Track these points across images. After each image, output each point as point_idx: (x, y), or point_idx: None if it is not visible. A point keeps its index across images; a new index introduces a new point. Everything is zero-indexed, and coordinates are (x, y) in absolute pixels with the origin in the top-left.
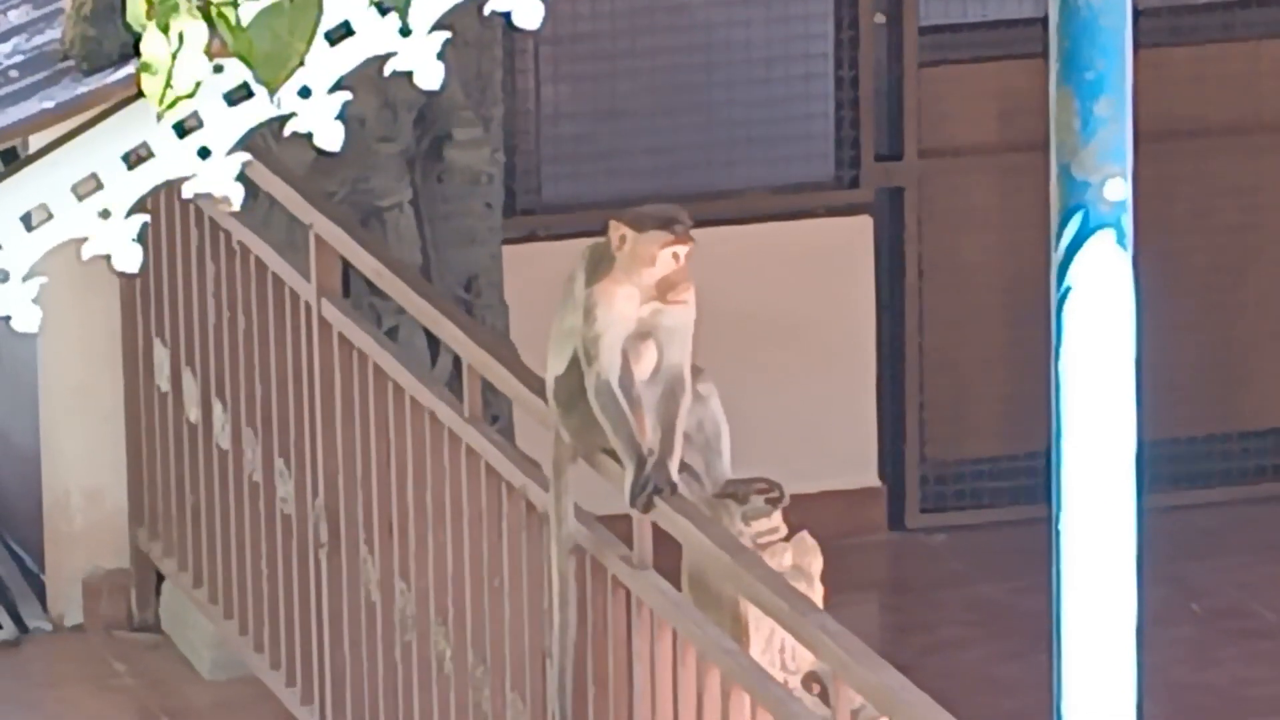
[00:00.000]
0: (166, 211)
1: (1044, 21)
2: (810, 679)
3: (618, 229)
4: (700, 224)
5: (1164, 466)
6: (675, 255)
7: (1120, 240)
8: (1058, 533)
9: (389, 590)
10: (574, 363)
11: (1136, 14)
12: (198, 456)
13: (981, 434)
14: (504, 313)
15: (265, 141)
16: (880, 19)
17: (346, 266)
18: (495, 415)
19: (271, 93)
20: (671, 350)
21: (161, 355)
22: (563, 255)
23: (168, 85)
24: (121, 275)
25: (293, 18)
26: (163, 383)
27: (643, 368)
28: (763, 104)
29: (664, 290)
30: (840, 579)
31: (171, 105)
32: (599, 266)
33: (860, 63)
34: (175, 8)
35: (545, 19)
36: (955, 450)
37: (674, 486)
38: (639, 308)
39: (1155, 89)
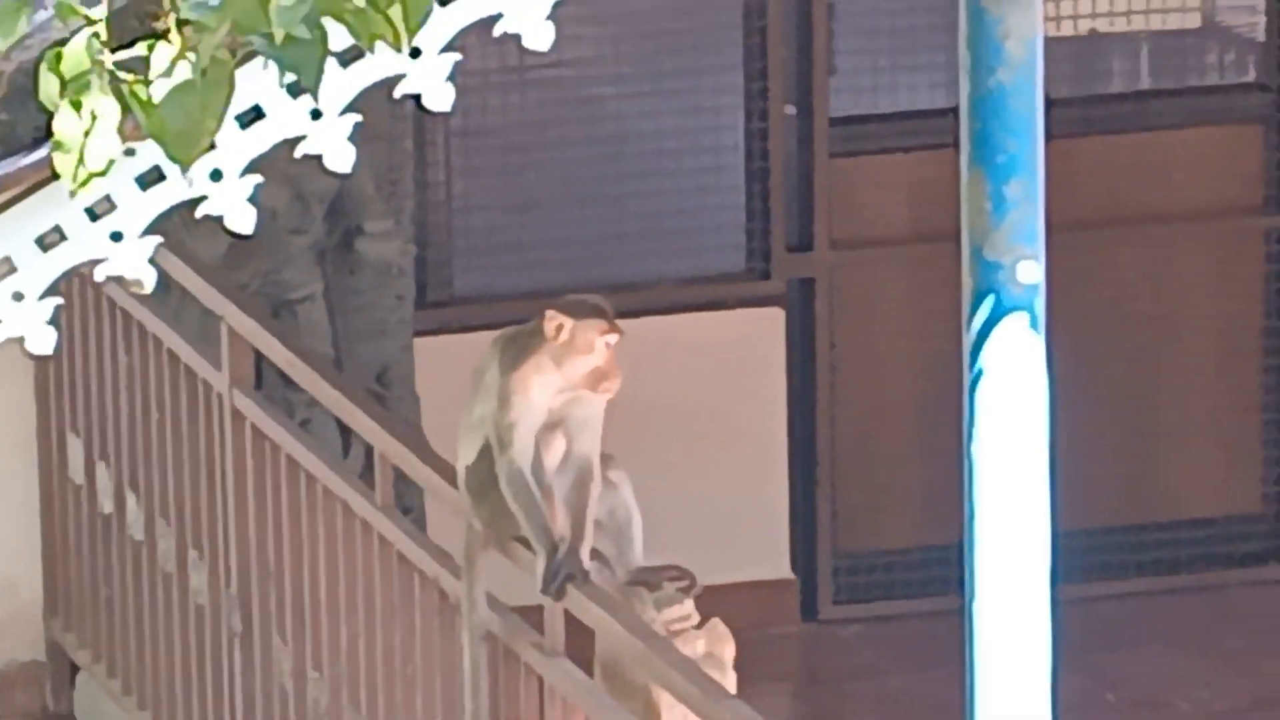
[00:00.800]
0: (80, 304)
1: (954, 111)
2: None
3: (554, 318)
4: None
5: (1078, 558)
6: (608, 344)
7: (1033, 323)
8: (971, 622)
9: (302, 679)
10: (485, 451)
11: (1048, 103)
12: (111, 548)
13: (894, 525)
14: (415, 405)
15: (178, 234)
16: (790, 110)
17: (259, 358)
18: (408, 506)
19: (184, 170)
20: (582, 439)
21: (75, 447)
22: (474, 347)
23: (80, 163)
24: (36, 363)
25: (204, 96)
26: (77, 474)
27: (552, 456)
28: (673, 195)
29: (596, 379)
30: (753, 670)
31: (84, 183)
32: (517, 355)
33: (771, 153)
34: (87, 85)
35: (455, 111)
36: (868, 541)
37: (586, 574)
38: (553, 397)
39: (1067, 179)
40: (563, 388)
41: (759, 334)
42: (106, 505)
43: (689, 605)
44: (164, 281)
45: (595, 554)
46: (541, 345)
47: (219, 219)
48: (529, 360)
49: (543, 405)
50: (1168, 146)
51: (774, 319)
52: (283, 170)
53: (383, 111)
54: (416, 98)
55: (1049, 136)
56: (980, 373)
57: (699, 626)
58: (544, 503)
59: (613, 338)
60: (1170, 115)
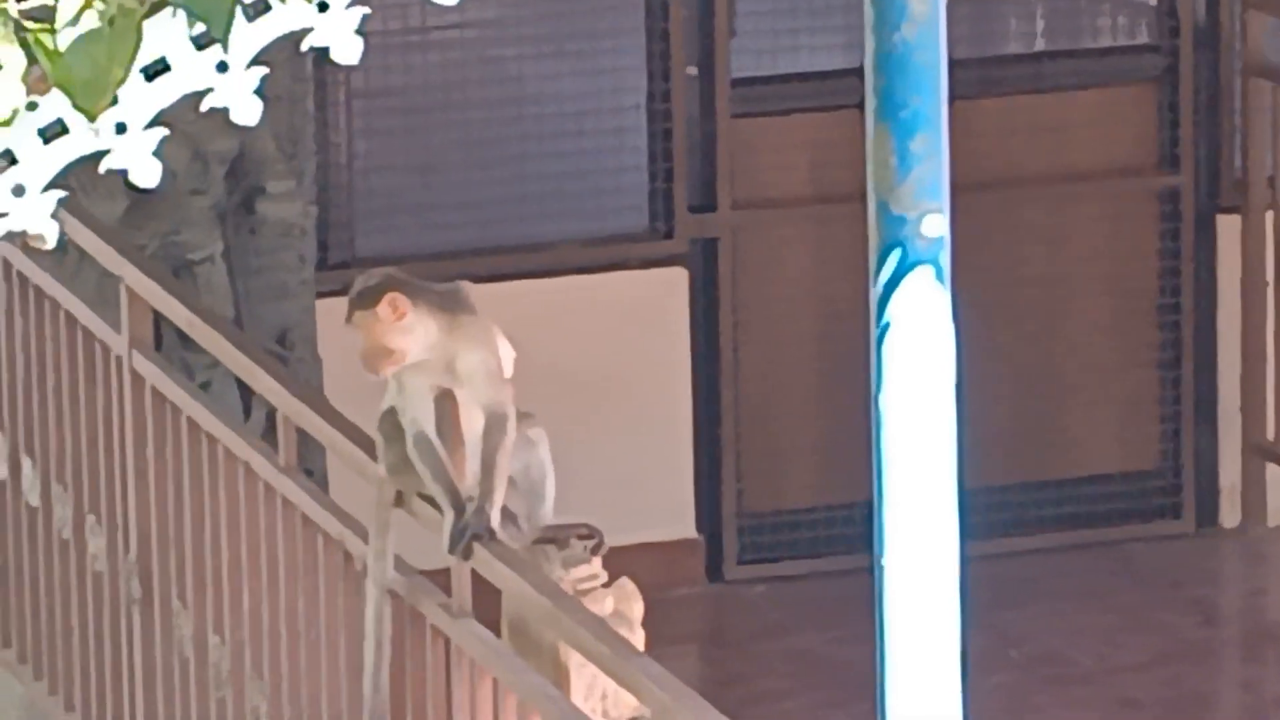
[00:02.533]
0: None
1: (854, 72)
2: None
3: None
4: (514, 276)
5: (980, 515)
6: (356, 326)
7: (939, 276)
8: (881, 578)
9: (203, 645)
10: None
11: (951, 64)
12: (5, 515)
13: (798, 484)
14: (317, 367)
15: (75, 195)
16: (692, 71)
17: (158, 320)
18: (309, 469)
19: (90, 120)
20: (479, 394)
21: None
22: None
23: None
24: None
25: (111, 45)
26: None
27: (463, 412)
28: (575, 156)
29: (370, 360)
30: (659, 631)
31: None
32: None
33: (673, 114)
34: None
35: (357, 72)
36: (772, 501)
37: (493, 532)
38: (407, 369)
39: (966, 140)
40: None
41: (662, 294)
42: (1, 471)
43: (597, 564)
44: (61, 242)
45: (504, 512)
46: None
47: (123, 173)
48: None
49: (410, 372)
50: (1063, 107)
51: (677, 279)
52: (183, 130)
53: (283, 72)
54: (324, 51)
55: (950, 97)
56: (887, 325)
57: (607, 585)
58: (452, 459)
59: (354, 316)
60: (1065, 76)
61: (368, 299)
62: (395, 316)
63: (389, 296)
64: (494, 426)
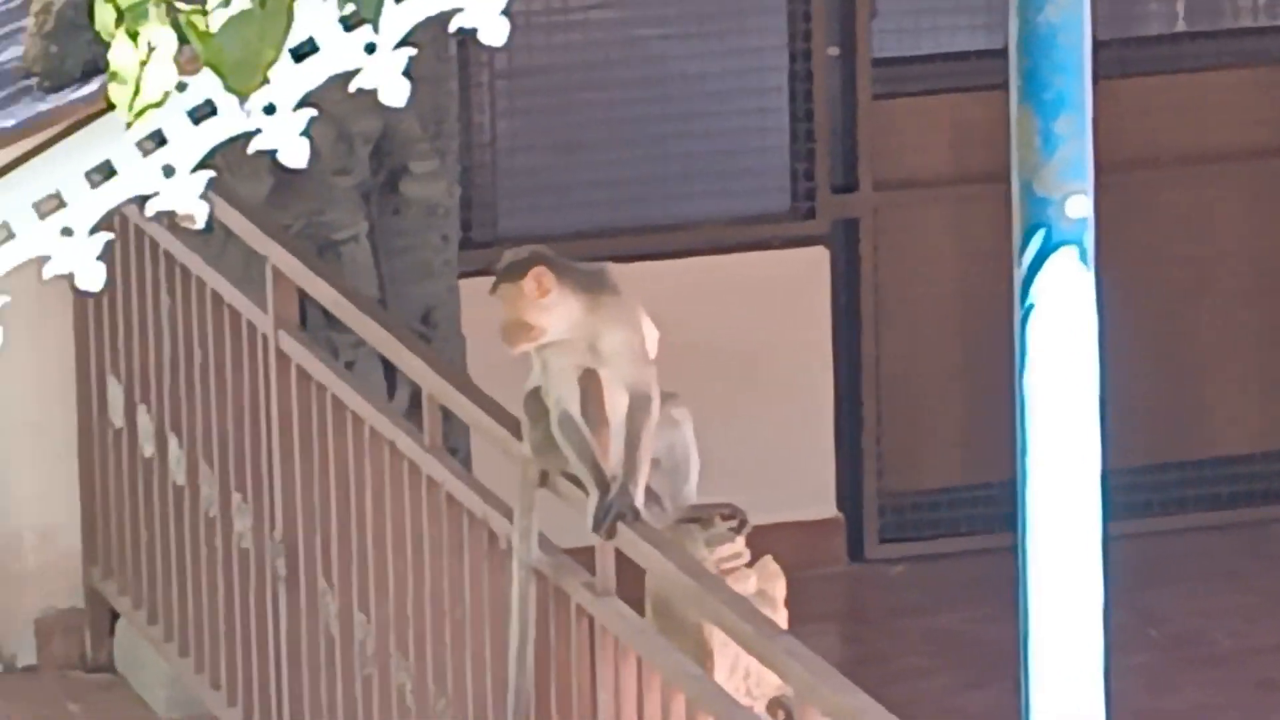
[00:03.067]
0: (121, 246)
1: (995, 53)
2: (775, 705)
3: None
4: (656, 256)
5: (1122, 495)
6: (500, 299)
7: (1083, 257)
8: (1024, 558)
9: (348, 623)
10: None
11: (1094, 45)
12: (152, 493)
13: (939, 464)
14: (461, 345)
15: (222, 175)
16: (834, 51)
17: (303, 299)
18: (454, 447)
19: (242, 101)
20: (622, 373)
21: (115, 391)
22: None
23: (136, 94)
24: (75, 306)
25: (263, 25)
26: (117, 419)
27: (607, 393)
28: (718, 136)
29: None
30: (799, 610)
31: (140, 114)
32: None
33: (815, 95)
34: (144, 15)
35: (500, 52)
36: (913, 480)
37: (637, 512)
38: (552, 346)
39: (1108, 120)
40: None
41: (804, 274)
42: (147, 449)
43: (740, 543)
44: (208, 223)
45: (648, 492)
46: None
47: (266, 154)
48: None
49: (554, 352)
50: (1205, 88)
51: (819, 259)
52: (329, 110)
53: (428, 53)
54: (470, 31)
55: (1093, 78)
56: (1031, 307)
57: (750, 565)
58: (596, 438)
59: (500, 290)
60: (1207, 57)
61: (514, 272)
62: (539, 292)
63: (535, 271)
64: (638, 406)
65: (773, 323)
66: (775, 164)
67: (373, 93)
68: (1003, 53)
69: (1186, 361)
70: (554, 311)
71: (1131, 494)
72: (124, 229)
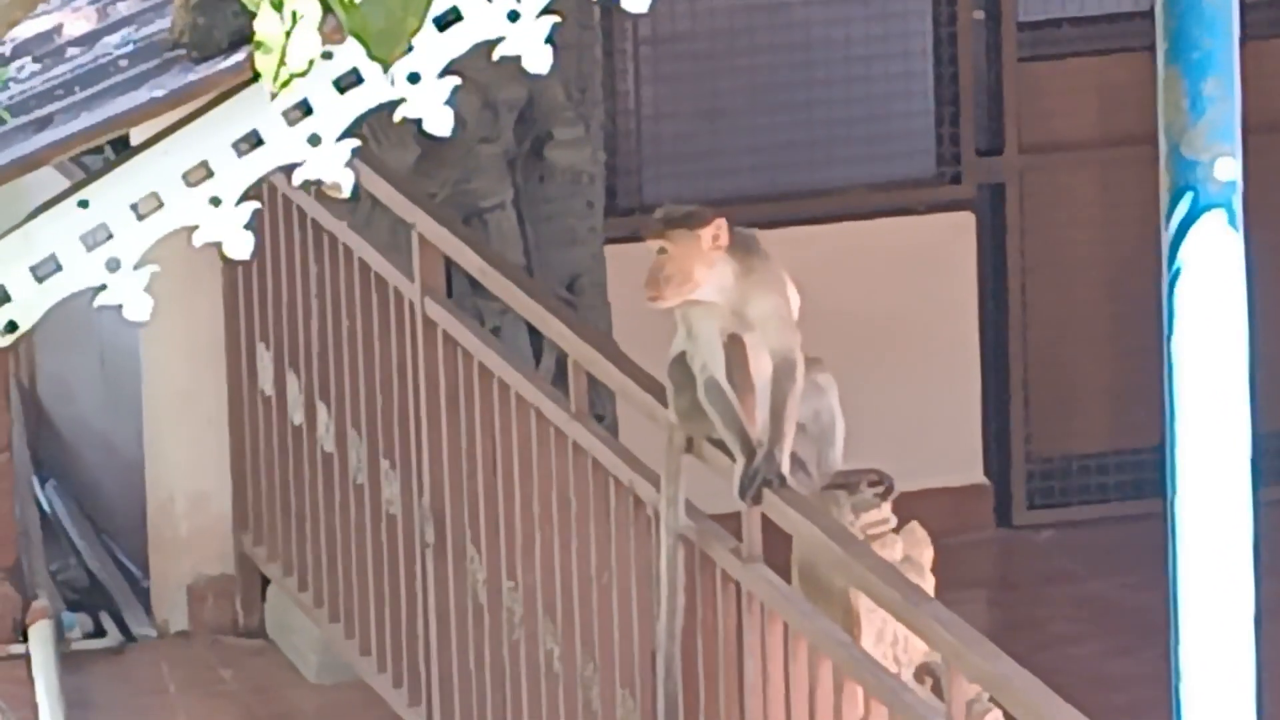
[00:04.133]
0: (270, 214)
1: (1141, 15)
2: (923, 671)
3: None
4: (801, 222)
5: (1275, 459)
6: (667, 245)
7: (1231, 220)
8: (1173, 523)
9: (496, 589)
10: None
11: (1240, 3)
12: (302, 460)
13: (1087, 429)
14: (606, 312)
15: (368, 144)
16: (979, 14)
17: (449, 266)
18: (599, 414)
19: (385, 69)
20: (770, 338)
21: (265, 359)
22: None
23: (281, 63)
24: (224, 275)
25: None
26: (266, 386)
27: (758, 360)
28: (862, 101)
29: (665, 284)
30: (947, 576)
31: (286, 84)
32: None
33: (959, 59)
34: None
35: (644, 19)
36: (1061, 446)
37: (783, 478)
38: (707, 307)
39: (1258, 81)
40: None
41: (950, 239)
42: (296, 417)
43: (886, 509)
44: (354, 191)
45: (794, 458)
46: None
47: (412, 123)
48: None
49: (706, 312)
50: None
51: (965, 224)
52: (473, 78)
53: (572, 20)
54: (614, 2)
55: (1242, 38)
56: (1179, 270)
57: (896, 531)
58: (742, 404)
59: (652, 245)
60: None
61: (693, 220)
62: (715, 245)
63: (719, 222)
64: (784, 372)
65: (919, 288)
66: (920, 128)
67: (517, 60)
68: (1149, 14)
69: None
70: (716, 269)
71: None
72: (272, 198)
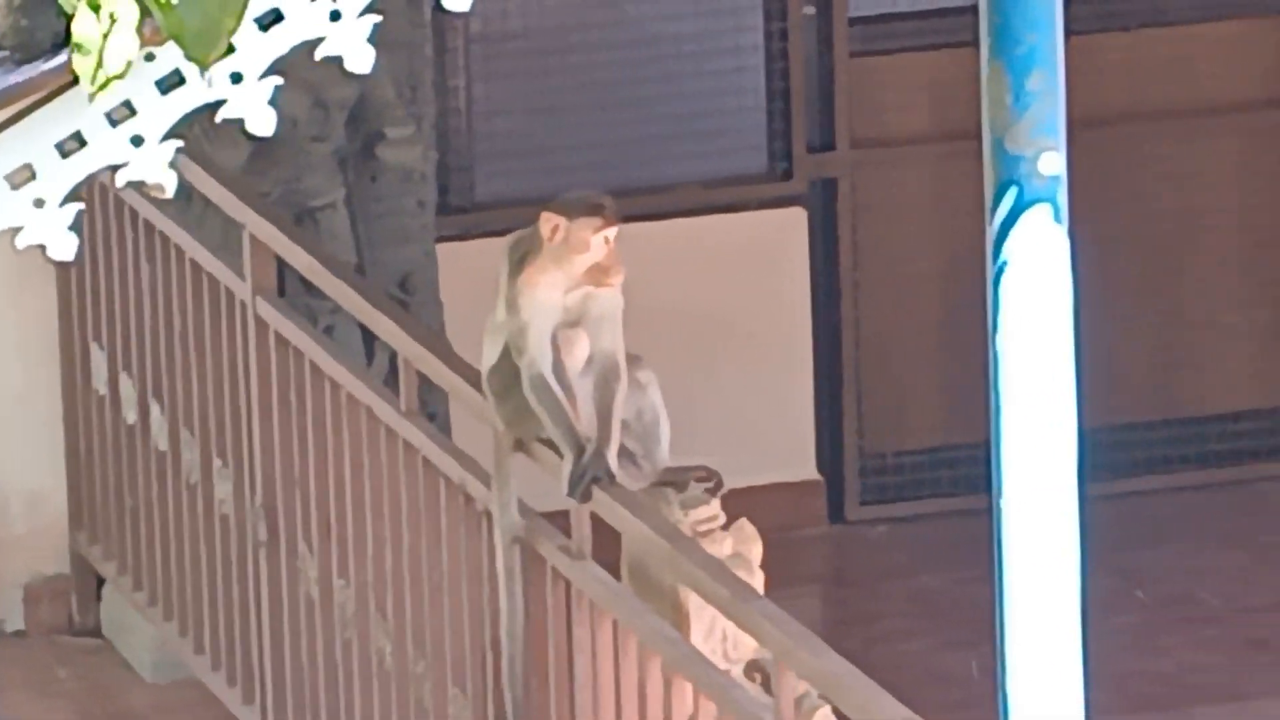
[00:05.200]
0: (102, 215)
1: (973, 9)
2: (752, 668)
3: (550, 220)
4: (633, 219)
5: (1107, 454)
6: (606, 239)
7: (1056, 215)
8: (999, 520)
9: (328, 588)
10: (506, 353)
11: (1065, 1)
12: (136, 459)
13: (920, 425)
14: (439, 310)
15: (199, 143)
16: (810, 10)
17: (281, 266)
18: (432, 412)
19: (203, 71)
20: (602, 337)
21: (99, 359)
22: (497, 252)
23: (99, 65)
24: (58, 275)
25: None
26: (100, 386)
27: (575, 356)
28: (694, 97)
29: (596, 275)
30: (781, 572)
31: (104, 86)
32: (522, 259)
33: (791, 54)
34: None
35: (474, 16)
36: (894, 442)
37: (612, 475)
38: (565, 296)
39: (1088, 76)
40: (569, 287)
41: (782, 235)
42: (130, 416)
43: (716, 506)
44: (186, 191)
45: (623, 454)
46: (542, 247)
47: (239, 123)
48: (532, 264)
49: (552, 306)
50: (1188, 41)
51: (796, 220)
52: (303, 77)
53: (401, 19)
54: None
55: (1069, 33)
56: (1004, 265)
57: (726, 527)
58: (568, 404)
59: (611, 232)
60: (1189, 10)
61: (616, 212)
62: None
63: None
64: (610, 369)
65: (751, 284)
66: (752, 125)
67: (341, 60)
68: (977, 9)
69: (1176, 317)
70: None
71: (1120, 453)
72: (104, 198)
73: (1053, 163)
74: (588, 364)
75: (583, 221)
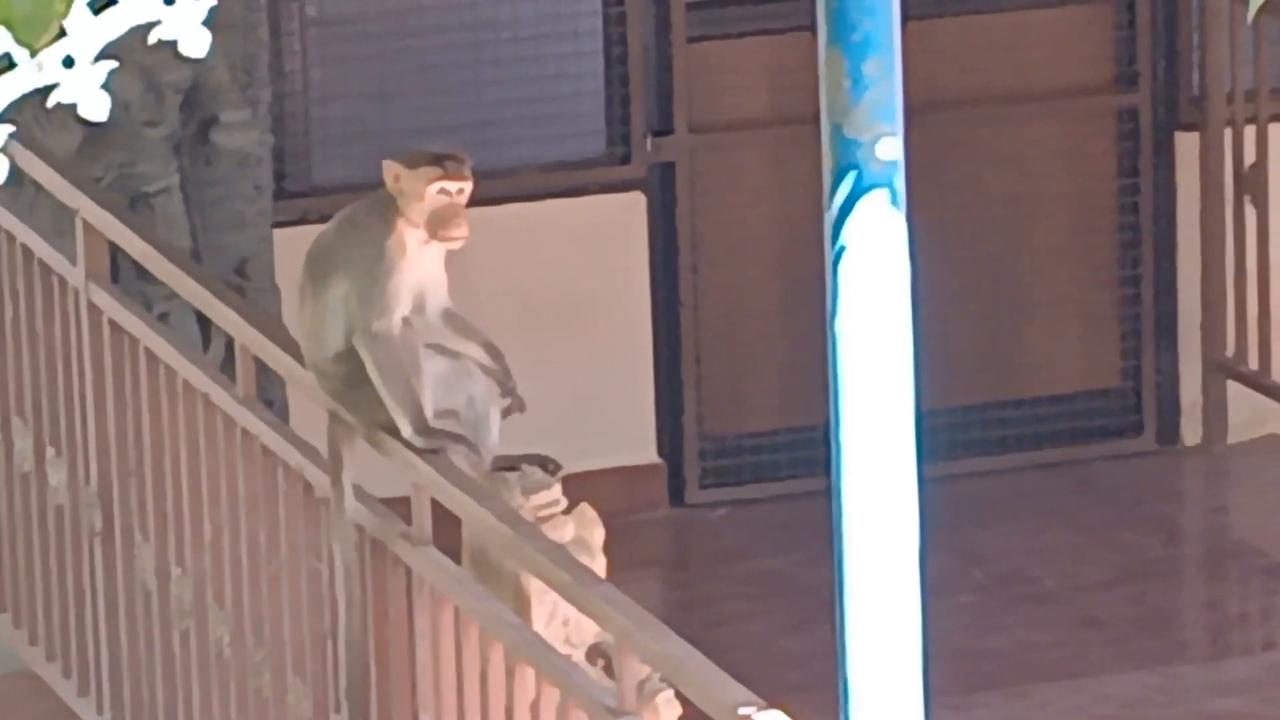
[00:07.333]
0: None
1: None
2: (594, 652)
3: (390, 168)
4: (472, 203)
5: (942, 435)
6: (444, 190)
7: (893, 200)
8: (838, 501)
9: (165, 577)
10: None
11: None
12: None
13: (759, 408)
14: (276, 296)
15: (30, 128)
16: None
17: (115, 252)
18: (269, 399)
19: (32, 54)
20: (439, 295)
21: None
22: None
23: None
24: None
25: None
26: None
27: (426, 313)
28: (533, 81)
29: (434, 226)
30: (622, 556)
31: None
32: (383, 219)
33: (629, 38)
34: None
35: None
36: (734, 425)
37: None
38: (422, 249)
39: (924, 60)
40: (421, 239)
41: (621, 219)
42: None
43: (557, 490)
44: (17, 176)
45: (462, 439)
46: (394, 203)
47: (72, 107)
48: (398, 220)
49: (419, 262)
50: (1020, 26)
51: (635, 204)
52: (137, 61)
53: (236, 2)
54: None
55: (904, 18)
56: (842, 249)
57: (567, 512)
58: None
59: (450, 185)
60: None
61: (463, 167)
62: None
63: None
64: (458, 320)
65: (590, 268)
66: (590, 109)
67: (175, 43)
68: None
69: (1006, 300)
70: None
71: (954, 434)
72: None
73: (890, 148)
74: (429, 346)
75: (421, 171)
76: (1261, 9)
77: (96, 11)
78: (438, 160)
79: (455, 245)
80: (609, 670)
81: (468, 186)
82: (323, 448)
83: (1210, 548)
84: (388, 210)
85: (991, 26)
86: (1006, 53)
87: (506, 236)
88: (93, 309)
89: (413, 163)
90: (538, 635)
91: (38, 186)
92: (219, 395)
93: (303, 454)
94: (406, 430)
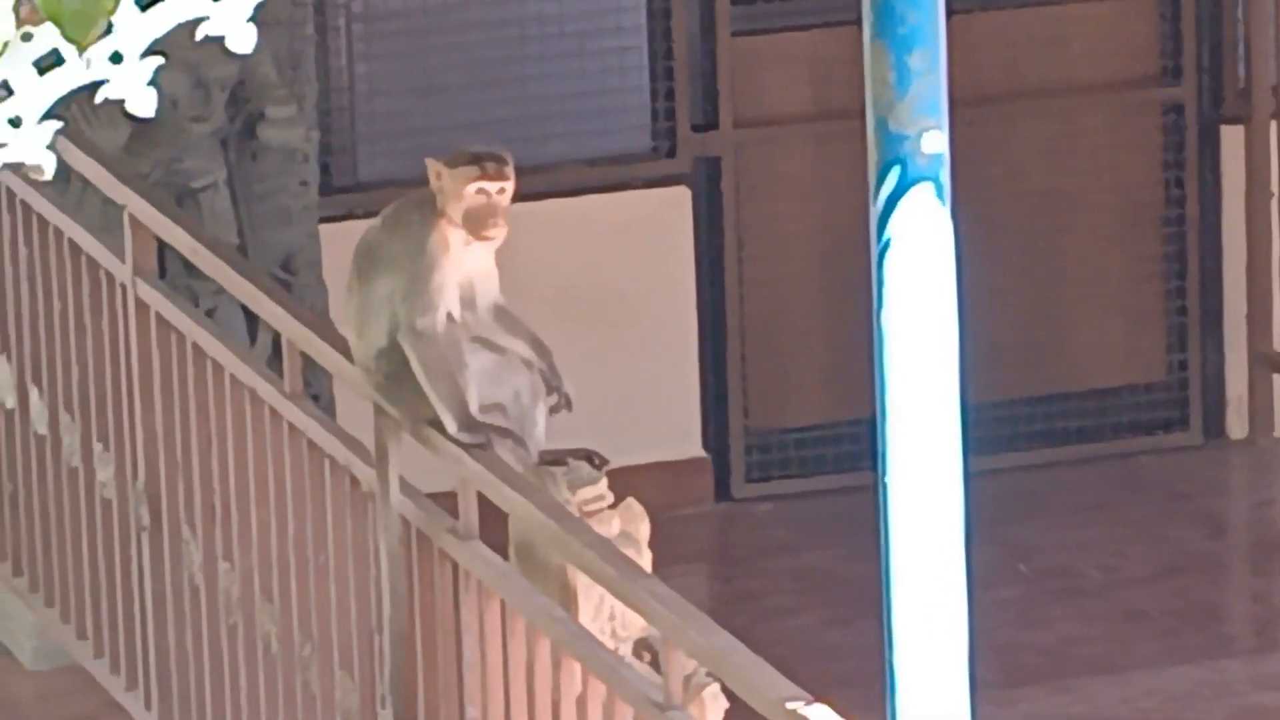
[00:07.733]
0: None
1: None
2: (641, 646)
3: (433, 166)
4: (516, 199)
5: (988, 429)
6: (483, 190)
7: (939, 193)
8: (884, 495)
9: (212, 572)
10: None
11: None
12: (15, 443)
13: (805, 401)
14: (322, 292)
15: (78, 124)
16: None
17: (162, 247)
18: (316, 394)
19: (81, 52)
20: (488, 291)
21: None
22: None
23: None
24: None
25: None
26: None
27: (476, 309)
28: (577, 77)
29: (473, 226)
30: (667, 550)
31: None
32: (424, 218)
33: (674, 33)
34: None
35: None
36: (779, 419)
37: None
38: (465, 248)
39: (967, 54)
40: (464, 240)
41: (666, 214)
42: (9, 400)
43: (603, 485)
44: (64, 172)
45: (509, 433)
46: (437, 198)
47: (119, 103)
48: (440, 219)
49: (462, 259)
50: (1064, 20)
51: (680, 198)
52: (183, 57)
53: None
54: None
55: (949, 12)
56: (888, 243)
57: (613, 506)
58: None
59: (488, 185)
60: None
61: (503, 167)
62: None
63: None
64: (506, 313)
65: (635, 263)
66: (635, 104)
67: (222, 39)
68: None
69: (1051, 294)
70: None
71: (999, 428)
72: None
73: (936, 141)
74: (475, 341)
75: (460, 171)
76: None
77: (144, 8)
78: (477, 160)
79: (493, 245)
80: (655, 664)
81: (508, 186)
82: (369, 443)
83: (1256, 541)
84: (431, 208)
85: (1035, 20)
86: (1050, 46)
87: (551, 232)
88: (140, 304)
89: (453, 162)
90: (584, 629)
91: (85, 182)
92: (266, 390)
93: (349, 449)
94: (451, 426)
